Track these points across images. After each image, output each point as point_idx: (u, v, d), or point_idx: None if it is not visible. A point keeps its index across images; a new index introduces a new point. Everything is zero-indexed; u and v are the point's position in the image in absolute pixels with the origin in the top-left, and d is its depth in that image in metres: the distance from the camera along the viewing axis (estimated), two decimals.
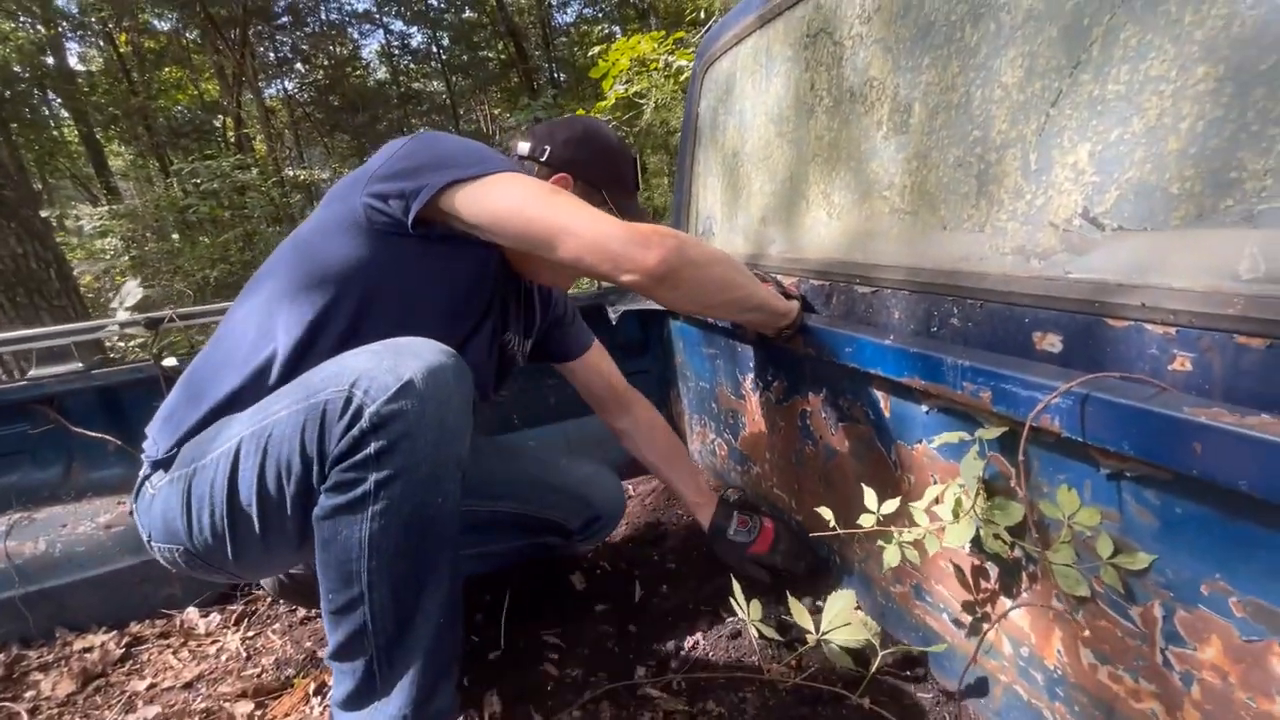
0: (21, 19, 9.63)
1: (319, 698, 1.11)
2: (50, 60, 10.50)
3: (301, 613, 1.38)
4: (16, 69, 9.67)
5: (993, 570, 0.85)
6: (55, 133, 11.96)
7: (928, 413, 0.90)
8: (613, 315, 1.86)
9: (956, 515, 0.80)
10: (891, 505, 0.91)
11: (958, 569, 0.91)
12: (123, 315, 1.43)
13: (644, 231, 0.83)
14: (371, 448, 0.73)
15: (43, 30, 10.07)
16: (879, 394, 1.01)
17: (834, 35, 1.10)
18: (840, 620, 0.99)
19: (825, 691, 1.01)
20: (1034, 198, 0.76)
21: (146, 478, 0.95)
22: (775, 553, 1.27)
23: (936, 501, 0.84)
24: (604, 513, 1.37)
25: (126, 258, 6.81)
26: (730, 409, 1.61)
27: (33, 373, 1.43)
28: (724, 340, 1.55)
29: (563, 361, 1.34)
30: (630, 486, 1.84)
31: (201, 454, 0.85)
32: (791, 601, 1.05)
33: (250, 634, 1.33)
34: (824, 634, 1.00)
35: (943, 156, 0.88)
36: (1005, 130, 0.79)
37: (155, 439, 0.94)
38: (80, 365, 1.46)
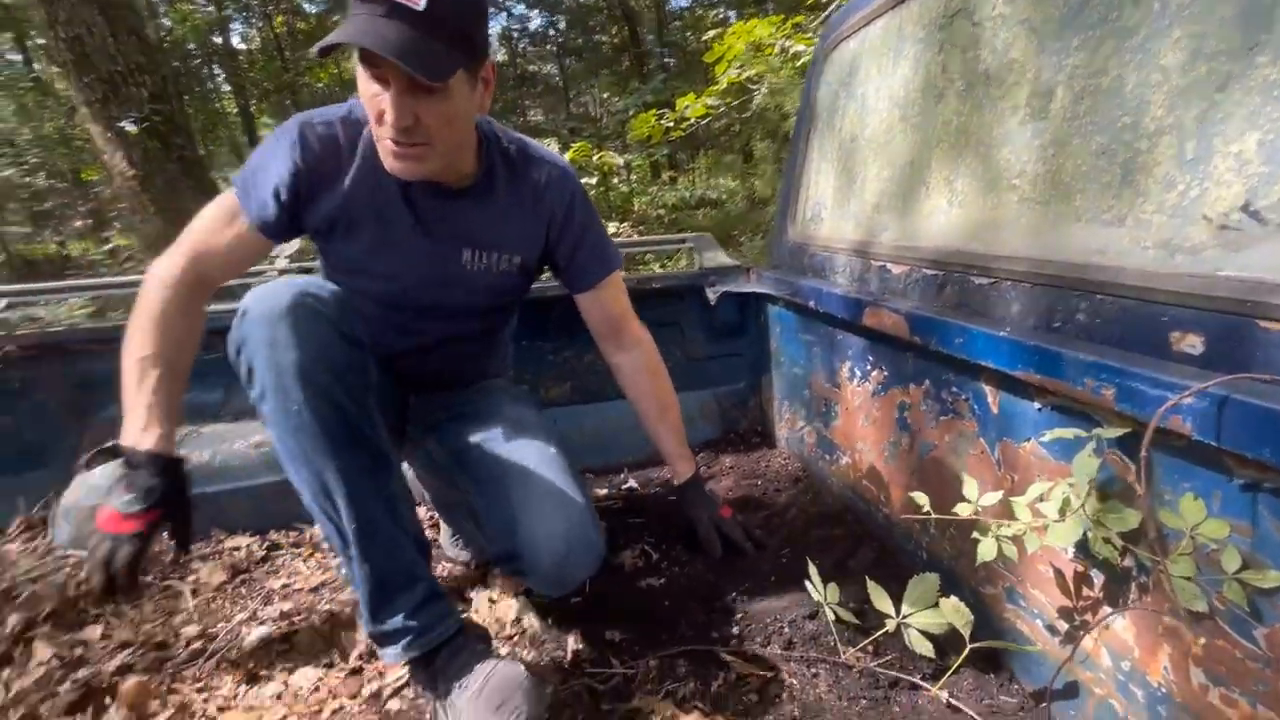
0: (200, 1, 10.81)
1: None
2: (218, 39, 11.76)
3: None
4: (190, 46, 10.91)
5: (1097, 576, 0.82)
6: (217, 105, 13.41)
7: (1040, 409, 0.88)
8: (711, 296, 1.88)
9: (1063, 514, 0.78)
10: (993, 497, 0.89)
11: (1058, 572, 0.88)
12: (281, 263, 1.62)
13: (175, 257, 1.03)
14: (240, 367, 0.89)
15: (214, 11, 11.26)
16: (988, 388, 0.98)
17: (973, 16, 1.06)
18: (922, 604, 0.98)
19: (902, 679, 1.01)
20: (1187, 189, 0.71)
21: None
22: (736, 524, 1.38)
23: (1041, 499, 0.82)
24: (527, 555, 1.03)
25: None
26: (823, 397, 1.60)
27: (212, 307, 1.66)
28: (824, 328, 1.55)
29: (570, 291, 1.28)
30: (726, 460, 1.87)
31: None
32: (870, 585, 1.05)
33: None
34: (904, 618, 1.00)
35: (1085, 144, 0.84)
36: (1160, 117, 0.75)
37: None
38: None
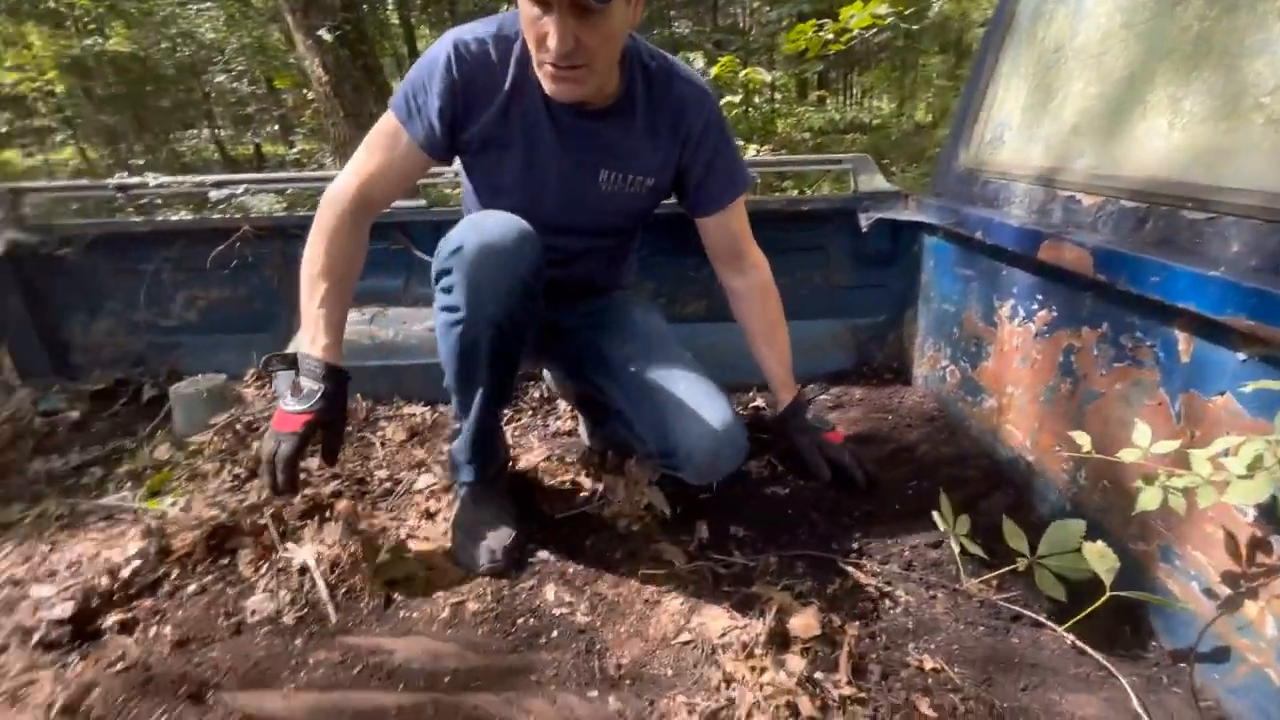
0: None
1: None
2: None
3: (554, 424, 1.70)
4: None
5: (1279, 541, 0.76)
6: (383, 15, 14.10)
7: (1245, 360, 0.80)
8: (864, 222, 1.81)
9: (1252, 472, 0.72)
10: (1166, 446, 0.84)
11: (1229, 534, 0.83)
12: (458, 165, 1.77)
13: (348, 180, 1.10)
14: (441, 282, 1.07)
15: None
16: (1181, 334, 0.90)
17: None
18: (1062, 546, 0.96)
19: (1025, 614, 1.01)
20: None
21: None
22: (844, 449, 1.35)
23: (1227, 454, 0.76)
24: (681, 452, 1.12)
25: None
26: (975, 335, 1.53)
27: (394, 204, 1.86)
28: (987, 261, 1.45)
29: (692, 214, 1.29)
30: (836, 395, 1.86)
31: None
32: (1006, 522, 1.04)
33: (516, 434, 1.68)
34: (1040, 557, 0.99)
35: None
36: None
37: None
38: (424, 202, 1.87)
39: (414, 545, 1.23)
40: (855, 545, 1.21)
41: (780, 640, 0.97)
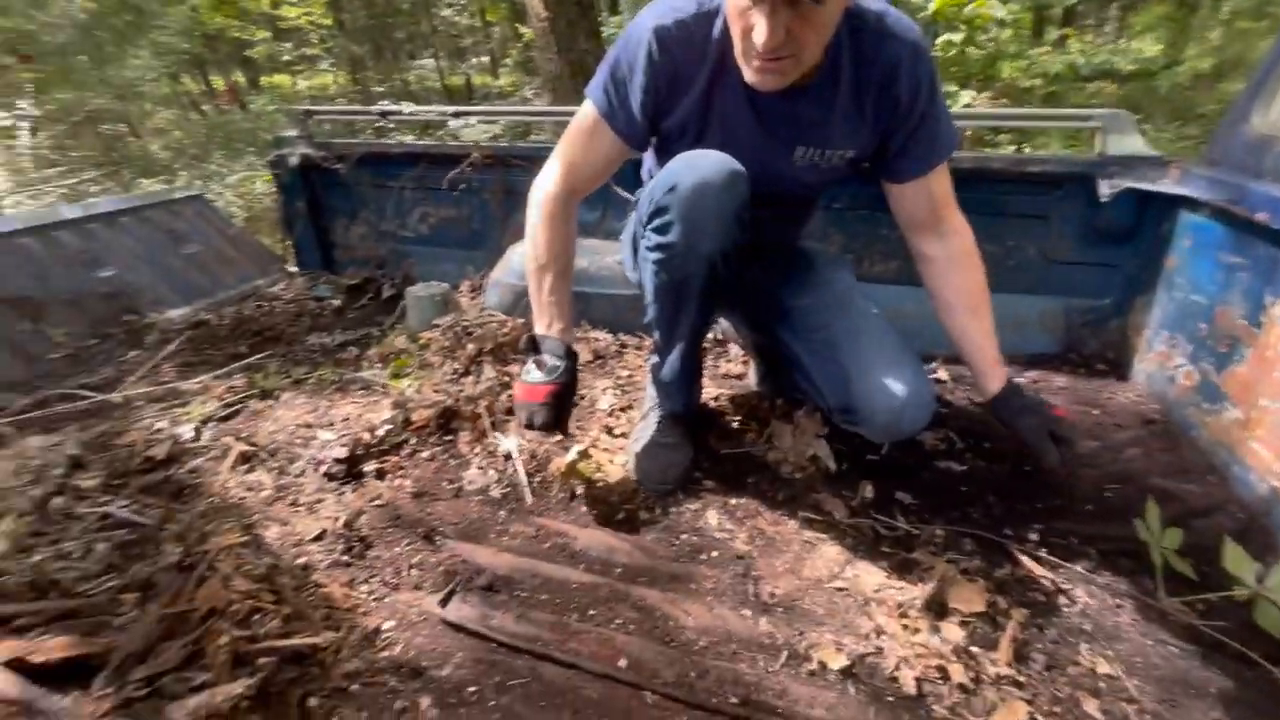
0: None
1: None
2: None
3: (724, 366, 1.77)
4: None
5: None
6: None
7: None
8: (1106, 190, 1.59)
9: None
10: None
11: None
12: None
13: (553, 173, 1.16)
14: (654, 222, 1.08)
15: None
16: None
17: None
18: None
19: (1230, 645, 0.92)
20: None
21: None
22: (1077, 430, 1.19)
23: None
24: (861, 410, 1.11)
25: None
26: (1229, 334, 1.31)
27: None
28: (1267, 249, 1.22)
29: (886, 179, 1.18)
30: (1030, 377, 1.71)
31: (635, 216, 1.27)
32: (1229, 546, 0.93)
33: None
34: (1265, 588, 0.88)
35: None
36: None
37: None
38: None
39: (595, 454, 1.39)
40: (1034, 536, 1.15)
41: (938, 608, 0.98)
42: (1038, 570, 1.07)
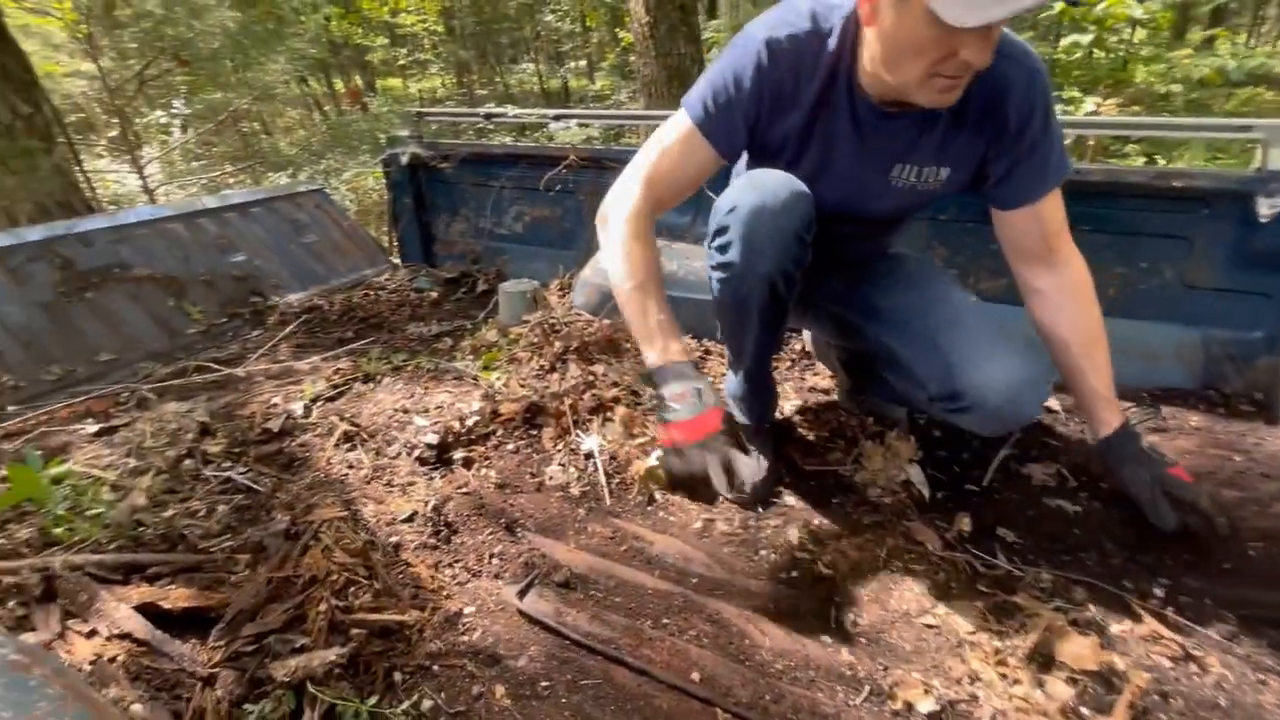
0: None
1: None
2: None
3: (810, 380, 1.71)
4: None
5: None
6: None
7: None
8: (1266, 210, 1.42)
9: None
10: None
11: None
12: None
13: (625, 174, 1.10)
14: (716, 241, 1.09)
15: None
16: None
17: None
18: None
19: None
20: None
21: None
22: (1200, 490, 1.07)
23: None
24: (969, 394, 1.03)
25: None
26: None
27: None
28: None
29: (991, 205, 1.14)
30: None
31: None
32: None
33: None
34: None
35: None
36: None
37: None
38: None
39: None
40: (1159, 592, 1.04)
41: (1043, 660, 0.90)
42: (1164, 631, 0.96)
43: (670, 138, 1.08)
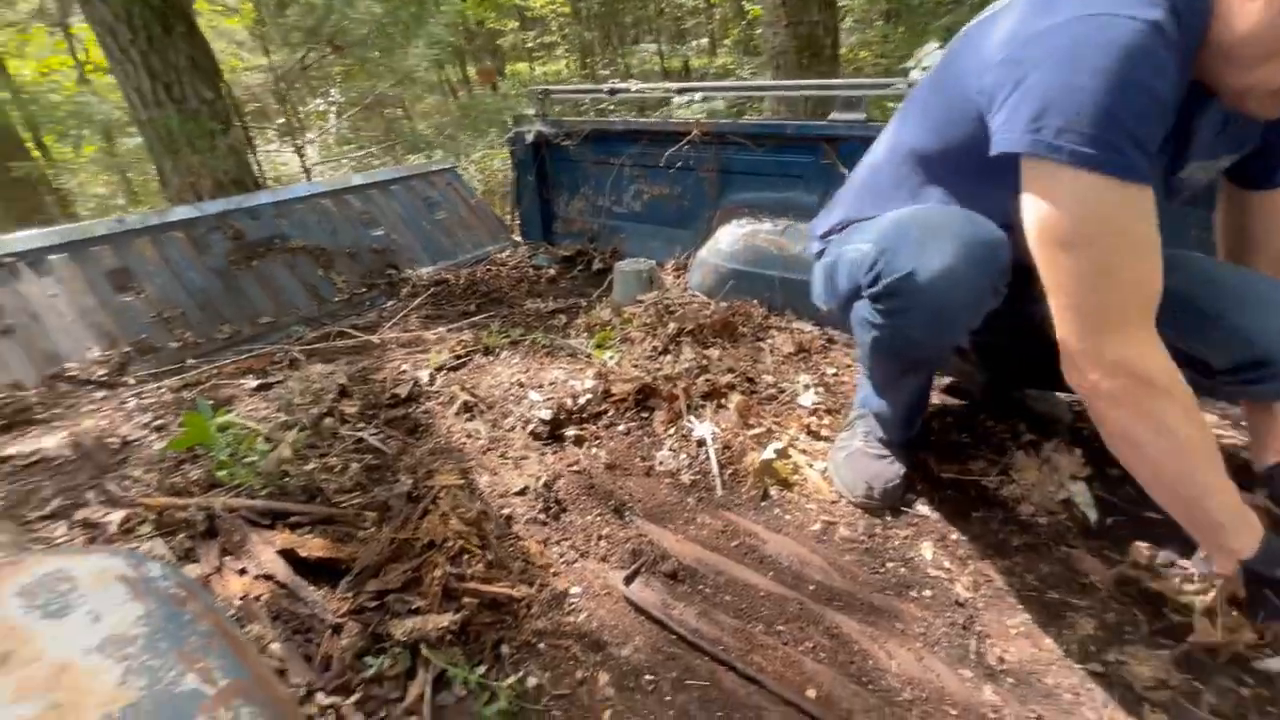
0: None
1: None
2: None
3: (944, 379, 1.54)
4: None
5: None
6: None
7: None
8: None
9: None
10: None
11: None
12: (915, 75, 1.62)
13: (1119, 340, 0.75)
14: (882, 304, 0.96)
15: None
16: None
17: None
18: None
19: None
20: None
21: (816, 246, 1.21)
22: None
23: None
24: (1272, 357, 0.88)
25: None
26: None
27: (833, 115, 1.83)
28: None
29: (1240, 186, 0.96)
30: None
31: (837, 251, 1.10)
32: None
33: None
34: None
35: None
36: None
37: (820, 219, 1.21)
38: (862, 115, 1.78)
39: (793, 454, 1.29)
40: None
41: None
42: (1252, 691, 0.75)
43: (1115, 228, 0.73)
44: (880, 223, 0.99)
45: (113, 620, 0.65)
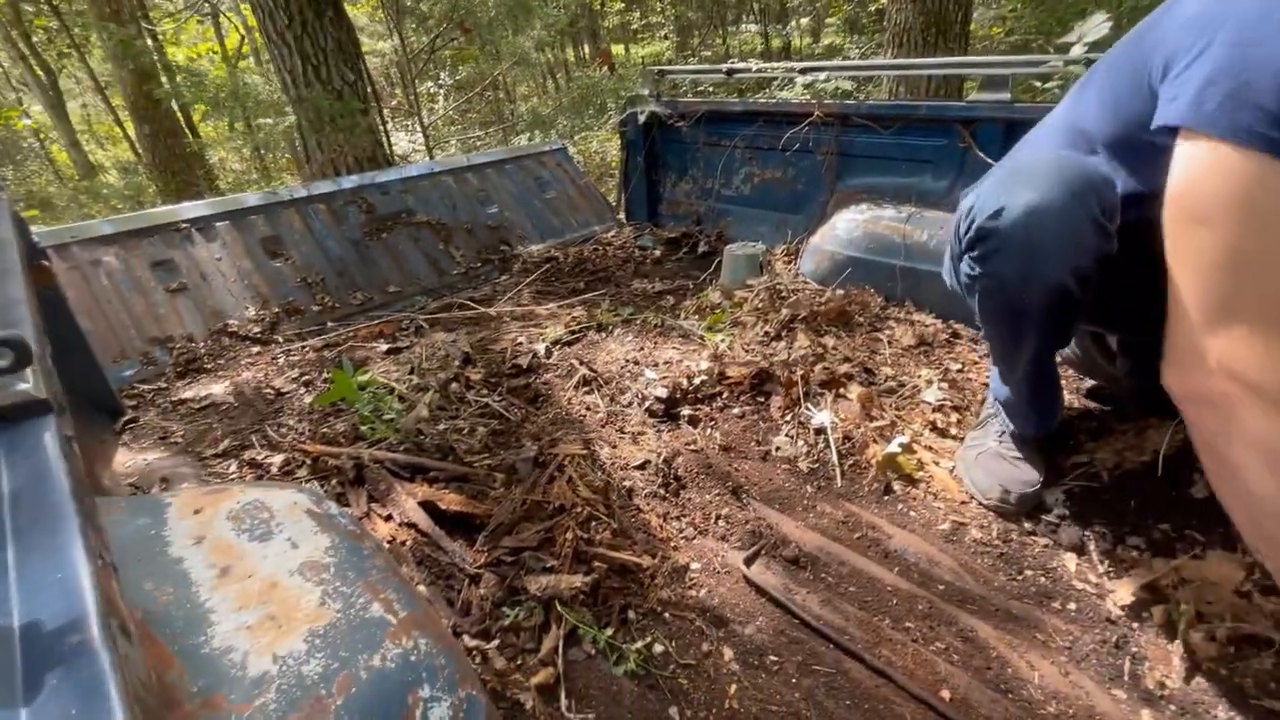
0: None
1: None
2: None
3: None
4: None
5: None
6: None
7: None
8: None
9: None
10: None
11: None
12: (1077, 50, 1.49)
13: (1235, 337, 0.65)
14: (976, 250, 0.93)
15: None
16: None
17: None
18: None
19: None
20: None
21: None
22: None
23: None
24: None
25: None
26: None
27: (974, 96, 1.71)
28: None
29: None
30: None
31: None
32: None
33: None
34: None
35: None
36: None
37: None
38: (1008, 96, 1.66)
39: (918, 449, 1.24)
40: None
41: None
42: None
43: (1259, 208, 0.64)
44: (983, 183, 0.96)
45: (307, 548, 0.72)
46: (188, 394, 1.61)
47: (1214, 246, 0.66)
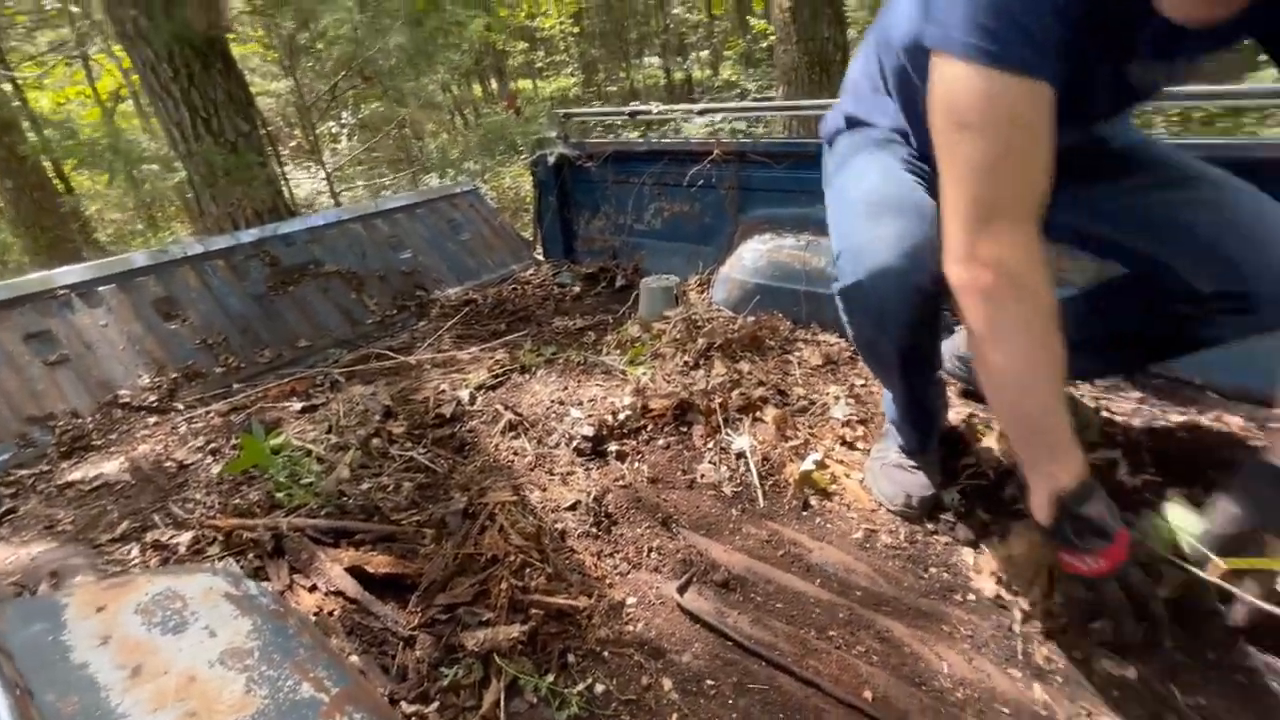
0: None
1: None
2: None
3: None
4: None
5: None
6: None
7: None
8: None
9: None
10: None
11: None
12: None
13: (995, 233, 0.77)
14: (840, 304, 1.03)
15: None
16: None
17: None
18: None
19: None
20: None
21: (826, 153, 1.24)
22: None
23: None
24: (1256, 288, 0.86)
25: None
26: None
27: None
28: None
29: None
30: None
31: (836, 194, 1.12)
32: None
33: None
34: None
35: None
36: None
37: (830, 118, 1.21)
38: None
39: (830, 465, 1.33)
40: None
41: None
42: None
43: (1009, 120, 0.73)
44: (839, 211, 1.07)
45: (227, 634, 0.70)
46: (75, 475, 1.48)
47: (971, 155, 0.77)
